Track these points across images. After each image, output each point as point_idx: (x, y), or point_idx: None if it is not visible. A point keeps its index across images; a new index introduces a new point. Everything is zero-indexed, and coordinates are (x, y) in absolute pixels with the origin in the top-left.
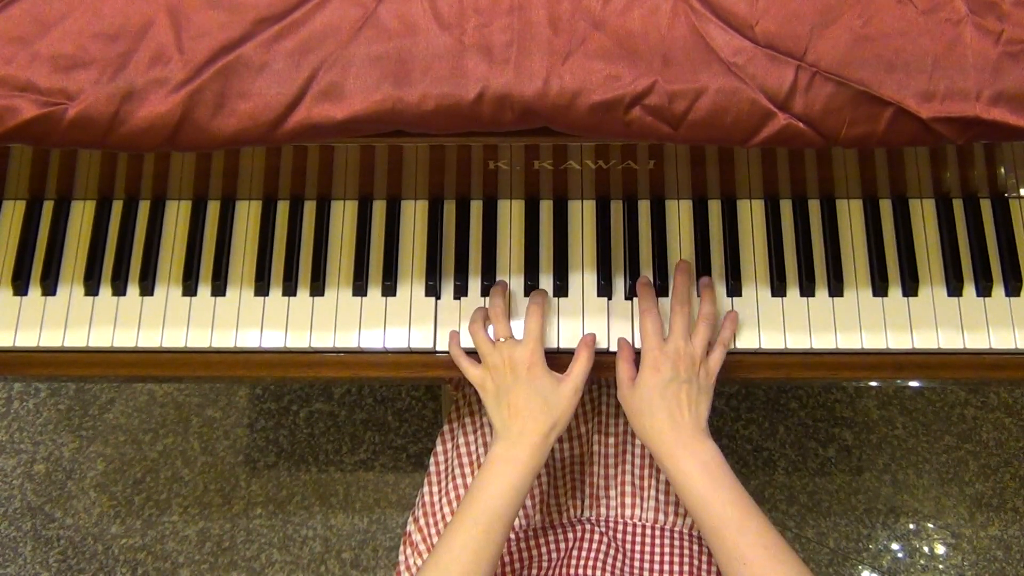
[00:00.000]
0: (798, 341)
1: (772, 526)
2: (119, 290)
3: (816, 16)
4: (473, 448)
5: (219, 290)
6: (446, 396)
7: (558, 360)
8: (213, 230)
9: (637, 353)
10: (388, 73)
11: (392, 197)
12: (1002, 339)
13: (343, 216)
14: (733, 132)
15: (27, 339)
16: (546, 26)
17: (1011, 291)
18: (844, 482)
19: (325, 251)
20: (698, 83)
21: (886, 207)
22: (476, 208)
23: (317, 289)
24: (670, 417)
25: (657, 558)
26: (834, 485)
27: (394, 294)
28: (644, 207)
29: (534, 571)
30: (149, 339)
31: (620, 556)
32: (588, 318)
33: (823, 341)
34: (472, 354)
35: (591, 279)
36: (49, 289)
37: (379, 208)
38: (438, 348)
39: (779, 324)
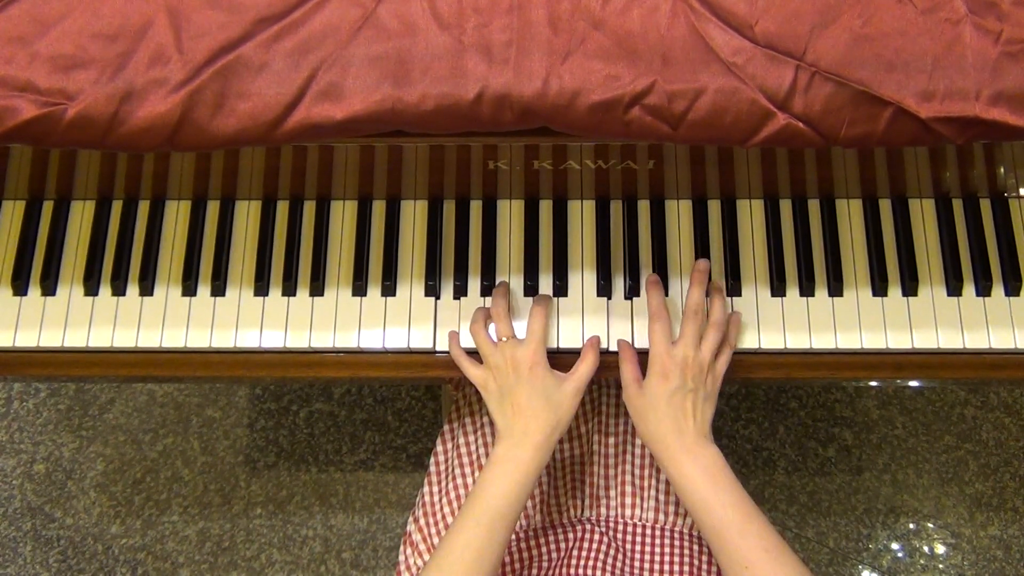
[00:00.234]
0: (798, 341)
1: (774, 529)
2: (119, 290)
3: (816, 16)
4: (473, 448)
5: (219, 290)
6: (446, 396)
7: (557, 360)
8: (213, 230)
9: (637, 352)
10: (388, 73)
11: (392, 197)
12: (1002, 339)
13: (343, 216)
14: (733, 132)
15: (27, 339)
16: (545, 26)
17: (1011, 291)
18: (844, 482)
19: (325, 251)
20: (698, 83)
21: (886, 207)
22: (476, 208)
23: (317, 289)
24: (675, 423)
25: (657, 558)
26: (834, 485)
27: (394, 294)
28: (644, 207)
29: (534, 571)
30: (149, 339)
31: (620, 556)
32: (588, 318)
33: (823, 341)
34: (472, 354)
35: (591, 279)
36: (49, 289)
37: (379, 208)
38: (438, 348)
39: (779, 324)
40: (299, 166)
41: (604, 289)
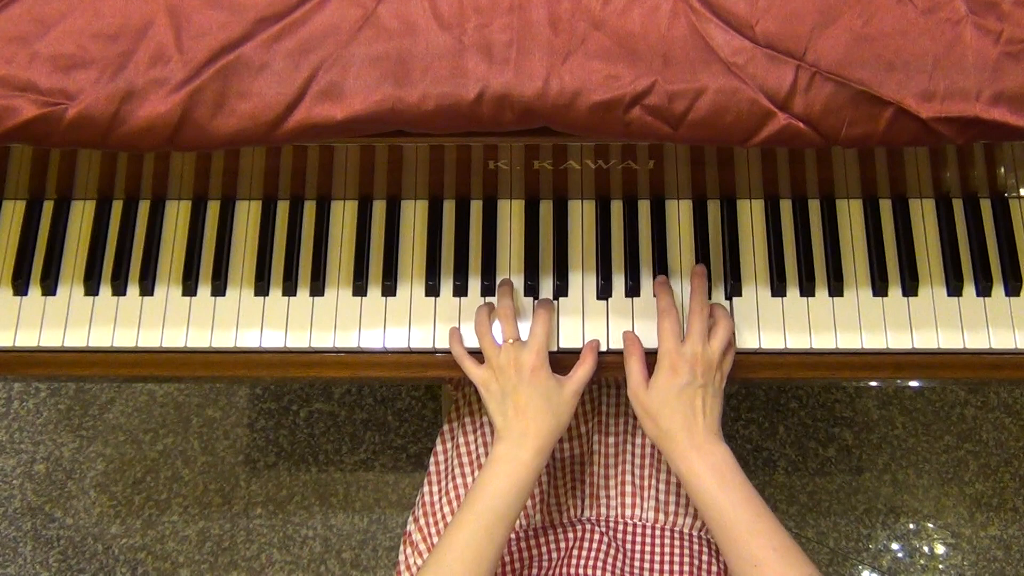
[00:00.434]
0: (798, 341)
1: (783, 528)
2: (119, 290)
3: (816, 16)
4: (473, 448)
5: (219, 290)
6: (446, 396)
7: (557, 360)
8: (213, 230)
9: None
10: (388, 73)
11: (392, 197)
12: (1002, 339)
13: (343, 216)
14: (733, 132)
15: (27, 339)
16: (546, 26)
17: (1011, 291)
18: (844, 482)
19: (325, 251)
20: (698, 83)
21: (886, 207)
22: (476, 208)
23: (317, 289)
24: (685, 420)
25: (657, 558)
26: (834, 485)
27: (394, 294)
28: (644, 207)
29: (534, 571)
30: (149, 339)
31: (620, 556)
32: (588, 318)
33: (823, 341)
34: (473, 353)
35: (591, 279)
36: (49, 289)
37: (379, 208)
38: (438, 348)
39: (779, 324)
40: (299, 166)
41: (604, 289)
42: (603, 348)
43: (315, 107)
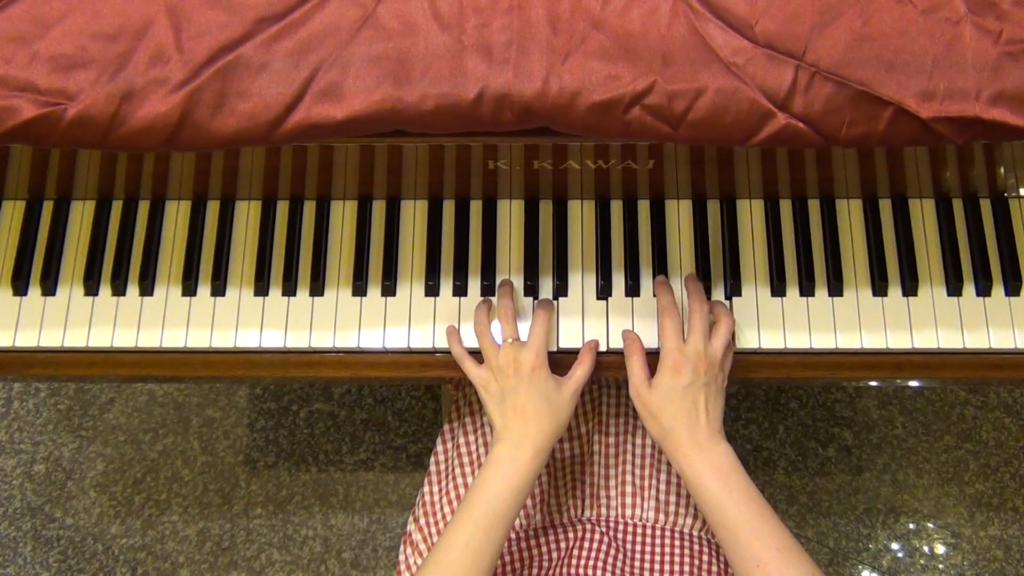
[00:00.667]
0: (798, 341)
1: (786, 527)
2: (119, 290)
3: (816, 16)
4: (473, 448)
5: (219, 290)
6: (446, 396)
7: (557, 360)
8: (213, 230)
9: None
10: (388, 73)
11: (392, 197)
12: (1002, 339)
13: (343, 216)
14: (733, 132)
15: (27, 339)
16: (545, 26)
17: (1011, 291)
18: (844, 482)
19: (325, 251)
20: (698, 83)
21: (886, 207)
22: (476, 208)
23: (317, 289)
24: (687, 419)
25: (658, 558)
26: (834, 485)
27: (394, 294)
28: (644, 207)
29: (534, 571)
30: (149, 339)
31: (620, 556)
32: (588, 318)
33: (823, 341)
34: (472, 353)
35: (591, 279)
36: (49, 289)
37: (379, 208)
38: (438, 348)
39: (779, 324)
40: (299, 166)
41: (604, 289)
42: (603, 348)
43: (315, 107)
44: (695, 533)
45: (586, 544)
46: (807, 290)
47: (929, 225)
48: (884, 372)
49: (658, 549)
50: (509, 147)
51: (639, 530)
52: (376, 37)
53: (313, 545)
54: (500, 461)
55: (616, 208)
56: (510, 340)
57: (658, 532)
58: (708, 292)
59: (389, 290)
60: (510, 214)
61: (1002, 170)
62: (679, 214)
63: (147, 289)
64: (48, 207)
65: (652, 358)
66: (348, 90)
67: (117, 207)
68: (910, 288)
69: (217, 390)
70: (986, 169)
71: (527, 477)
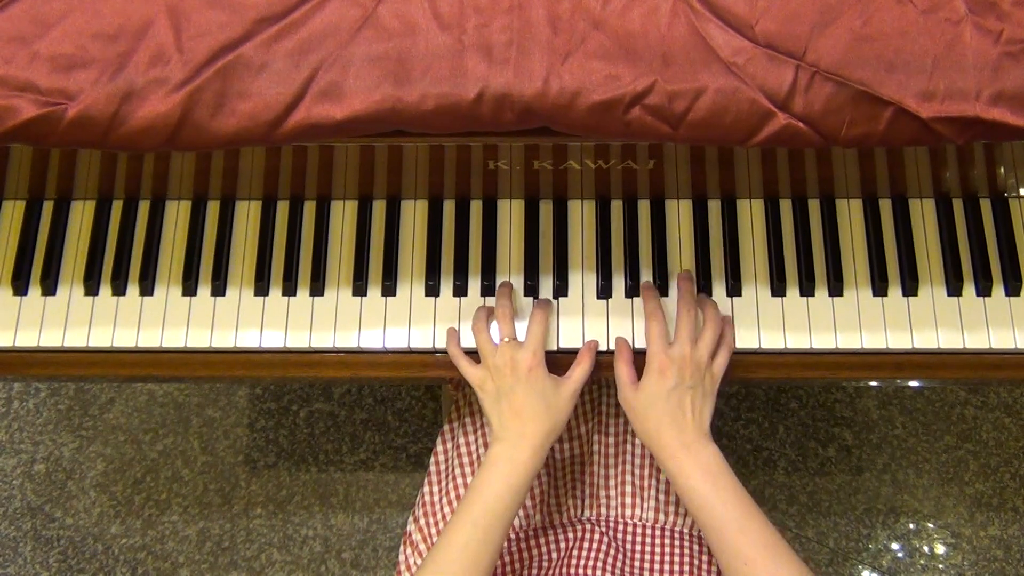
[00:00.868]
0: (798, 341)
1: (773, 526)
2: (119, 290)
3: (816, 16)
4: (473, 448)
5: (219, 290)
6: (446, 396)
7: (557, 360)
8: (213, 230)
9: (636, 353)
10: (388, 73)
11: (392, 197)
12: (1002, 339)
13: (343, 216)
14: (733, 132)
15: (27, 339)
16: (546, 26)
17: (1011, 291)
18: (844, 482)
19: (325, 251)
20: (698, 83)
21: (886, 207)
22: (476, 208)
23: (317, 289)
24: (673, 421)
25: (657, 558)
26: (834, 485)
27: (394, 294)
28: (644, 207)
29: (534, 571)
30: (149, 339)
31: (620, 556)
32: (588, 318)
33: (823, 341)
34: (470, 353)
35: (591, 279)
36: (49, 289)
37: (379, 208)
38: (438, 348)
39: (779, 324)
40: (299, 166)
41: (604, 289)
42: (603, 348)
43: (315, 107)
44: (695, 533)
45: (586, 544)
46: (807, 290)
47: (929, 225)
48: (884, 372)
49: (658, 549)
50: (509, 147)
51: (639, 530)
52: (376, 37)
53: (313, 545)
54: (498, 461)
55: (616, 208)
56: (507, 339)
57: (658, 532)
58: (708, 292)
59: (389, 290)
60: (510, 214)
61: (1002, 170)
62: (679, 214)
63: (147, 289)
64: (48, 207)
65: (643, 360)
66: (348, 90)
67: (117, 207)
68: (910, 288)
69: (217, 390)
70: (986, 169)
71: (525, 477)
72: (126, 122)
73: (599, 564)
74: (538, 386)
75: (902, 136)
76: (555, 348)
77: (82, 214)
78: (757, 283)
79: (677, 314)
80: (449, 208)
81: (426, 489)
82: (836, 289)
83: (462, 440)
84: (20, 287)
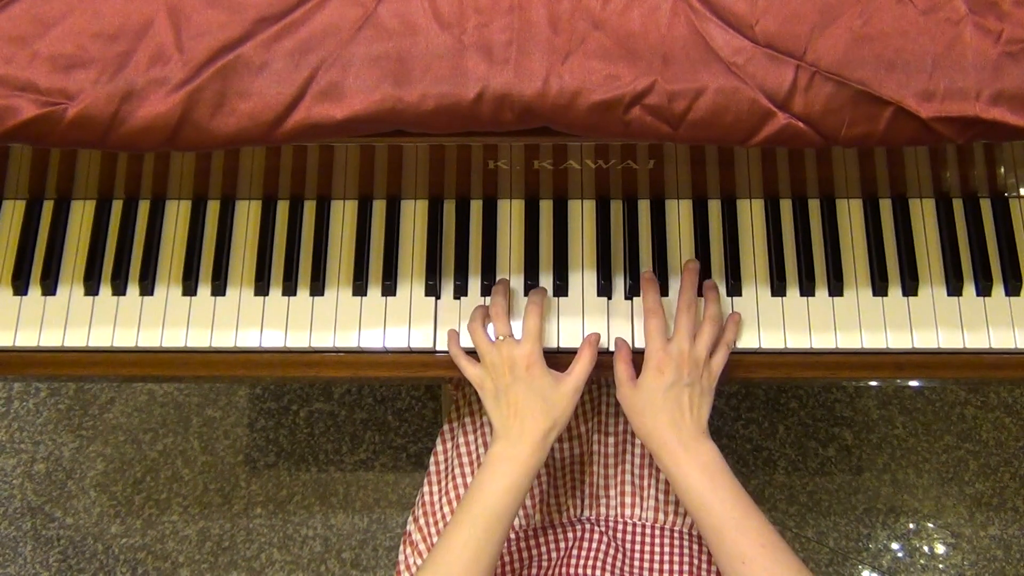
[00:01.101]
0: (798, 341)
1: (771, 525)
2: (119, 290)
3: (816, 16)
4: (473, 448)
5: (219, 290)
6: (446, 396)
7: (557, 360)
8: (213, 230)
9: (635, 352)
10: (388, 73)
11: (392, 197)
12: (1002, 339)
13: (343, 216)
14: (733, 132)
15: (27, 339)
16: (546, 26)
17: (1011, 291)
18: (844, 482)
19: (325, 251)
20: (698, 83)
21: (886, 207)
22: (476, 208)
23: (317, 289)
24: (671, 419)
25: (657, 557)
26: (834, 485)
27: (394, 294)
28: (644, 207)
29: (534, 570)
30: (149, 339)
31: (620, 555)
32: (588, 318)
33: (823, 341)
34: (471, 353)
35: (591, 279)
36: (49, 289)
37: (379, 208)
38: (438, 348)
39: (779, 324)
40: (299, 166)
41: (604, 289)
42: (604, 348)
43: (315, 107)
44: (694, 533)
45: (585, 544)
46: (807, 290)
47: (929, 225)
48: (884, 372)
49: (657, 549)
50: (509, 147)
51: (639, 530)
52: (376, 37)
53: (313, 545)
54: (498, 460)
55: (616, 208)
56: (502, 337)
57: (657, 532)
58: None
59: (389, 290)
60: (510, 214)
61: (1002, 170)
62: (679, 214)
63: (147, 289)
64: (48, 207)
65: (642, 358)
66: (348, 90)
67: (117, 207)
68: (910, 288)
69: (217, 390)
70: (986, 169)
71: (526, 475)
72: (126, 122)
73: (599, 564)
74: (537, 383)
75: (902, 136)
76: (555, 348)
77: (82, 214)
78: (757, 283)
79: (677, 309)
80: (449, 208)
81: (426, 489)
82: (836, 289)
83: (462, 440)
84: (20, 287)
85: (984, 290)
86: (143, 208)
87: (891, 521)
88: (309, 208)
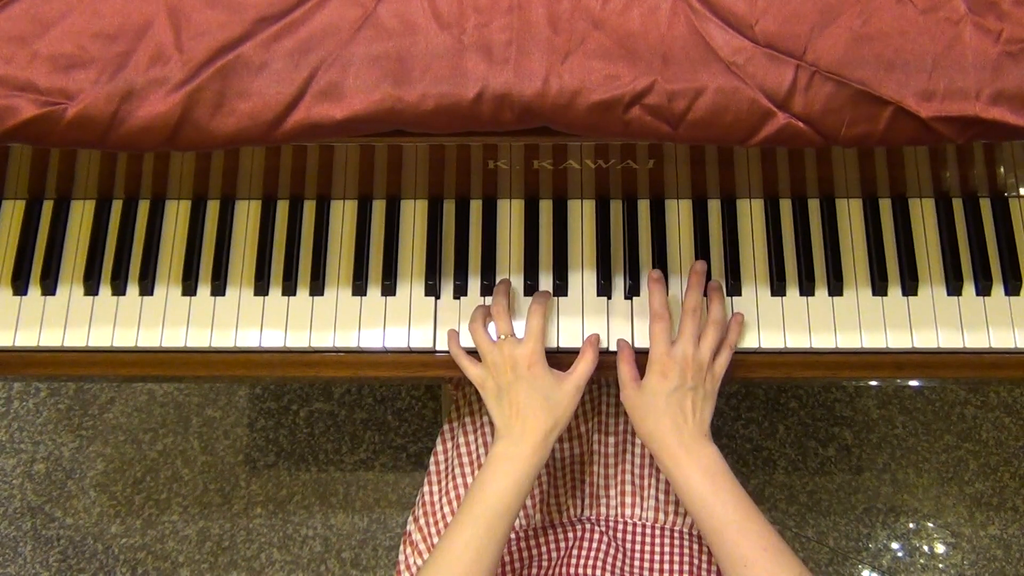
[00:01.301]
0: (798, 340)
1: (772, 528)
2: (119, 290)
3: (816, 16)
4: (473, 448)
5: (219, 290)
6: (446, 396)
7: (557, 360)
8: (213, 229)
9: (637, 352)
10: (387, 73)
11: (392, 196)
12: (1002, 338)
13: (343, 215)
14: (733, 131)
15: (27, 339)
16: (545, 25)
17: (1011, 290)
18: (844, 481)
19: (325, 250)
20: (697, 82)
21: (886, 206)
22: (476, 208)
23: (317, 289)
24: (674, 422)
25: (657, 557)
26: (834, 484)
27: (394, 294)
28: (644, 207)
29: (534, 570)
30: (149, 339)
31: (620, 555)
32: (588, 318)
33: (823, 340)
34: (472, 353)
35: (591, 279)
36: (49, 289)
37: (379, 207)
38: (438, 348)
39: (779, 323)
40: (299, 166)
41: (604, 289)
42: (603, 348)
43: (315, 107)
44: (694, 533)
45: (586, 544)
46: (807, 290)
47: (929, 225)
48: (884, 372)
49: (658, 549)
50: (509, 147)
51: (639, 530)
52: (376, 37)
53: (313, 545)
54: (500, 459)
55: (616, 208)
56: (504, 336)
57: (658, 532)
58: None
59: (389, 290)
60: (510, 214)
61: (1002, 170)
62: (679, 214)
63: (147, 289)
64: (48, 207)
65: (645, 358)
66: (348, 90)
67: (117, 207)
68: (910, 288)
69: (217, 390)
70: (986, 169)
71: (527, 474)
72: (126, 122)
73: (599, 563)
74: (538, 382)
75: (902, 136)
76: (555, 347)
77: (82, 214)
78: (757, 283)
79: (682, 312)
80: (449, 208)
81: (426, 489)
82: (836, 289)
83: (462, 440)
84: (20, 287)
85: (984, 290)
86: (143, 208)
87: (891, 521)
88: (309, 208)
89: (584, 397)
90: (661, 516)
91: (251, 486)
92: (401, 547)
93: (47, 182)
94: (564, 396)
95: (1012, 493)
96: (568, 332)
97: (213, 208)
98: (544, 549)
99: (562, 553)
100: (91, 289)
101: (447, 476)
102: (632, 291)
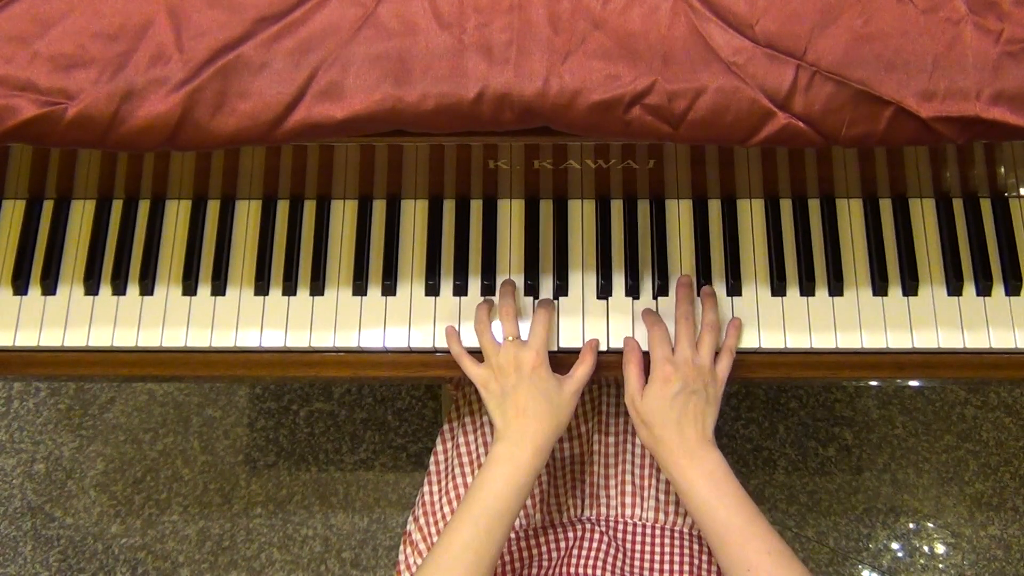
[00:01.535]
0: (798, 341)
1: (776, 532)
2: (119, 289)
3: (816, 16)
4: (473, 448)
5: (219, 289)
6: (446, 396)
7: (557, 360)
8: (213, 229)
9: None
10: (388, 72)
11: (392, 196)
12: (1002, 338)
13: (343, 215)
14: (733, 131)
15: (27, 339)
16: (546, 25)
17: (1011, 290)
18: (844, 481)
19: (325, 250)
20: (698, 82)
21: (886, 206)
22: (476, 208)
23: (317, 288)
24: (677, 427)
25: (657, 557)
26: (834, 484)
27: (394, 293)
28: (644, 207)
29: (534, 570)
30: (149, 339)
31: (620, 555)
32: (588, 318)
33: (823, 341)
34: (472, 352)
35: (591, 279)
36: (49, 289)
37: (379, 207)
38: (438, 348)
39: (779, 324)
40: (299, 166)
41: (604, 289)
42: (603, 348)
43: (315, 107)
44: (695, 533)
45: (586, 543)
46: (807, 290)
47: (929, 225)
48: (884, 372)
49: (658, 549)
50: (509, 147)
51: (639, 530)
52: (376, 37)
53: (313, 545)
54: (500, 460)
55: (616, 208)
56: (510, 338)
57: (658, 532)
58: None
59: (389, 290)
60: (510, 214)
61: (1002, 170)
62: (679, 214)
63: (147, 289)
64: (48, 207)
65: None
66: (348, 90)
67: (117, 207)
68: (910, 288)
69: (217, 390)
70: (986, 169)
71: (527, 476)
72: (126, 122)
73: (599, 563)
74: (542, 385)
75: (902, 136)
76: (555, 348)
77: (82, 214)
78: (757, 283)
79: (676, 320)
80: (449, 208)
81: (426, 489)
82: (836, 289)
83: (462, 440)
84: (20, 287)
85: (984, 290)
86: (143, 208)
87: (891, 521)
88: (309, 208)
89: (584, 397)
90: (661, 516)
91: (251, 486)
92: (401, 547)
93: (47, 182)
94: (565, 400)
95: (1012, 493)
96: (568, 332)
97: (213, 208)
98: (544, 549)
99: (562, 553)
100: (91, 289)
101: (447, 476)
102: (632, 291)
